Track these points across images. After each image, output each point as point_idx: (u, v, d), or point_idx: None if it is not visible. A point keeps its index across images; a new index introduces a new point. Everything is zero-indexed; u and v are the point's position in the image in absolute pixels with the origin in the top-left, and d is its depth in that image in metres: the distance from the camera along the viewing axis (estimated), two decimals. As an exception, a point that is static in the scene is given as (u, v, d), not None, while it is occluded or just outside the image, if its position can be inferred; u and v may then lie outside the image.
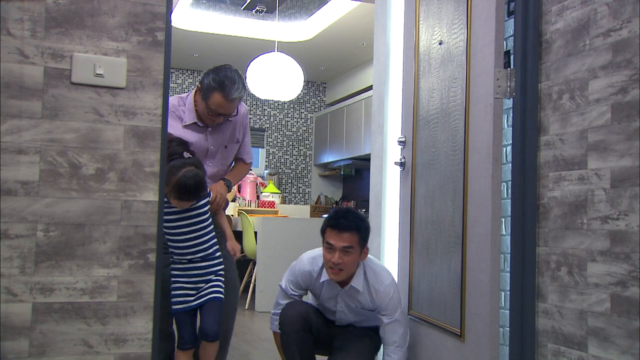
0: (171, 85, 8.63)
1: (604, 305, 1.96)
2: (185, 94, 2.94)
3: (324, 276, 2.75)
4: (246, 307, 5.67)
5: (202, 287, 2.61)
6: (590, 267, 2.02)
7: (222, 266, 2.66)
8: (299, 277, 2.86)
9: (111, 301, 1.86)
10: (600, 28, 2.03)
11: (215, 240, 2.66)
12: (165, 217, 2.47)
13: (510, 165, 2.37)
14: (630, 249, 1.89)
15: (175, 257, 2.62)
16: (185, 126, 2.85)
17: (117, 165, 1.88)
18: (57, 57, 1.83)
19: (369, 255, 2.80)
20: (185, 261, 2.60)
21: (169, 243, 2.60)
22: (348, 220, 2.66)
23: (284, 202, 9.16)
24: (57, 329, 1.81)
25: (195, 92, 2.86)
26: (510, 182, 2.40)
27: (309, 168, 10.05)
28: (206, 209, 2.62)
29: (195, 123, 2.86)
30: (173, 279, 2.61)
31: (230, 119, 2.90)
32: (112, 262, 1.86)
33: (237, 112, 2.93)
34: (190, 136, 2.83)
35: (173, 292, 2.60)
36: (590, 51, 2.06)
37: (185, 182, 2.47)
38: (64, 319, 1.81)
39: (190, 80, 9.46)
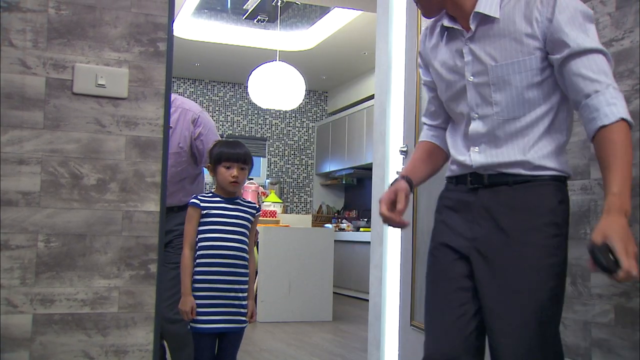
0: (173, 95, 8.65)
1: (608, 317, 1.95)
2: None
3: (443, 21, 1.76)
4: (248, 317, 5.65)
5: (227, 306, 2.41)
6: (594, 278, 2.01)
7: (247, 287, 2.48)
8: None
9: (112, 312, 1.86)
10: (602, 38, 2.03)
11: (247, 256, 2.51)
12: (214, 211, 2.42)
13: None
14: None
15: (210, 259, 2.41)
16: None
17: (118, 176, 1.87)
18: (59, 68, 1.83)
19: None
20: (221, 264, 2.40)
21: (210, 243, 2.41)
22: None
23: (285, 211, 9.16)
24: (57, 340, 1.79)
25: None
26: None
27: (311, 177, 10.05)
28: (252, 217, 2.51)
29: None
30: (200, 293, 2.40)
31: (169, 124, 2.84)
32: (113, 272, 1.86)
33: (181, 115, 2.86)
34: None
35: (199, 310, 2.38)
36: (593, 61, 2.06)
37: (226, 139, 2.50)
38: (64, 330, 1.80)
39: (192, 90, 9.48)
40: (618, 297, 1.92)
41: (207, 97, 9.53)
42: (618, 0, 1.98)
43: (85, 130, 1.85)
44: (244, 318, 2.44)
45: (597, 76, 1.54)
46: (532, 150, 1.62)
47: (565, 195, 1.64)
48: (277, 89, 6.48)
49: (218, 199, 2.47)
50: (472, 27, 1.65)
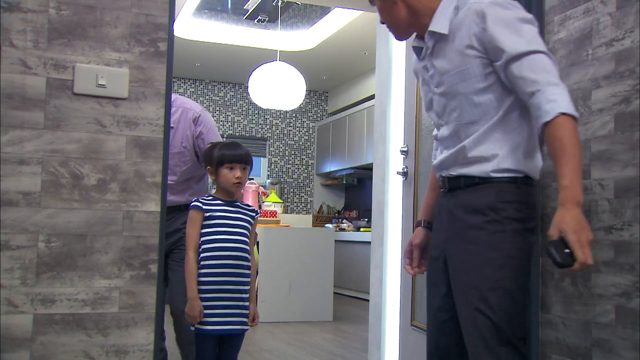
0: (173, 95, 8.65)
1: (609, 317, 1.95)
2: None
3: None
4: (248, 317, 5.65)
5: (232, 307, 2.41)
6: (595, 278, 2.01)
7: (248, 289, 2.48)
8: None
9: (112, 312, 1.86)
10: (602, 38, 2.03)
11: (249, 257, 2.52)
12: (217, 213, 2.43)
13: (513, 175, 2.36)
14: (635, 259, 1.88)
15: (215, 261, 2.41)
16: None
17: (119, 176, 1.88)
18: (60, 68, 1.83)
19: None
20: (226, 266, 2.40)
21: (215, 245, 2.41)
22: None
23: (286, 211, 9.15)
24: (58, 341, 1.80)
25: None
26: (513, 192, 2.38)
27: (311, 177, 10.05)
28: (252, 220, 2.53)
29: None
30: (205, 295, 2.39)
31: (170, 124, 2.83)
32: (113, 272, 1.86)
33: (182, 114, 2.87)
34: None
35: (206, 311, 2.37)
36: (593, 61, 2.06)
37: (225, 140, 2.53)
38: (65, 330, 1.80)
39: (192, 90, 9.48)
40: (619, 297, 1.92)
41: (207, 97, 9.53)
42: (618, 0, 1.98)
43: (85, 130, 1.85)
44: (246, 320, 2.45)
45: (536, 76, 1.63)
46: (487, 152, 1.73)
47: (517, 195, 1.70)
48: (277, 89, 6.48)
49: (219, 201, 2.48)
50: (430, 44, 1.83)
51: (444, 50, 1.79)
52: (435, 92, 1.84)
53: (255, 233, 2.67)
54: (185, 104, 2.89)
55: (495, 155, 1.72)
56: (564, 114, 1.57)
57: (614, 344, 1.92)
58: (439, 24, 1.79)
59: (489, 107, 1.73)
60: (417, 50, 1.91)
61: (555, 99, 1.59)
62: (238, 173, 2.46)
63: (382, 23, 1.93)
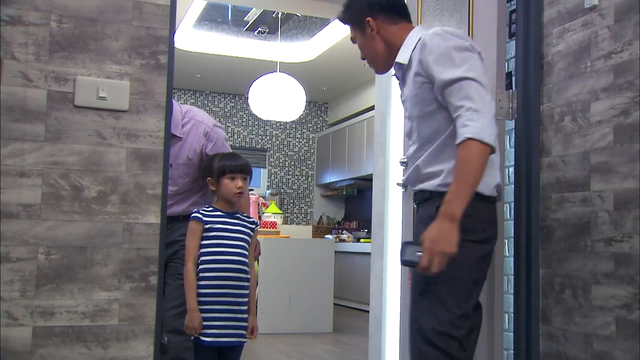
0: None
1: (609, 329, 1.94)
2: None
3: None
4: (248, 329, 5.63)
5: (230, 319, 2.41)
6: (595, 290, 2.01)
7: (247, 301, 2.49)
8: None
9: (112, 324, 1.85)
10: (601, 50, 2.04)
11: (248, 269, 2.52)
12: (217, 225, 2.43)
13: (513, 186, 2.37)
14: (635, 271, 1.88)
15: (215, 273, 2.41)
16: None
17: (119, 188, 1.88)
18: (61, 81, 1.84)
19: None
20: (225, 278, 2.41)
21: (214, 257, 2.42)
22: None
23: (285, 222, 9.14)
24: (57, 353, 1.79)
25: None
26: (513, 203, 2.39)
27: (311, 188, 10.05)
28: (251, 232, 2.53)
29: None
30: (204, 307, 2.39)
31: (180, 135, 2.80)
32: (113, 285, 1.86)
33: (193, 126, 2.85)
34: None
35: (205, 323, 2.37)
36: (592, 73, 2.07)
37: (226, 152, 2.55)
38: (64, 343, 1.80)
39: (192, 101, 9.50)
40: (619, 309, 1.92)
41: (207, 108, 9.55)
42: (617, 13, 1.99)
43: (86, 142, 1.86)
44: (245, 332, 2.46)
45: (460, 102, 1.81)
46: (436, 168, 1.93)
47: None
48: (277, 100, 6.49)
49: (219, 213, 2.48)
50: (398, 74, 2.08)
51: (407, 78, 2.02)
52: (405, 116, 2.08)
53: (257, 241, 2.67)
54: (197, 116, 2.89)
55: (442, 170, 1.90)
56: (470, 138, 1.75)
57: (615, 356, 1.92)
58: (402, 55, 2.02)
59: (439, 128, 1.92)
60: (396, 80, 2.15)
61: (467, 125, 1.77)
62: (240, 183, 2.47)
63: (363, 59, 2.17)
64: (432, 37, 1.90)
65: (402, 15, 2.09)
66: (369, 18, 2.07)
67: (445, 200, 1.75)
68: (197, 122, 2.87)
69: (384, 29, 2.06)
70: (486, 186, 1.87)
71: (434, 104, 1.91)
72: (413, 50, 1.96)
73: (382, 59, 2.09)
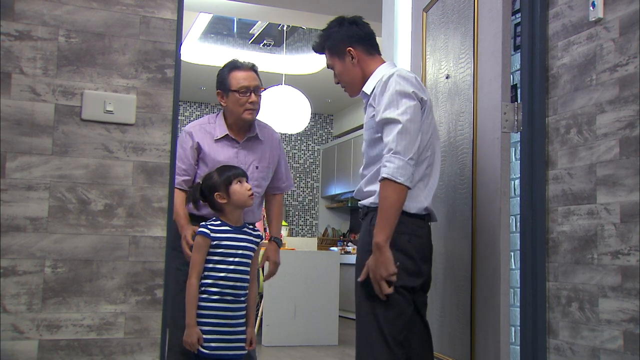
0: (179, 118, 8.69)
1: (617, 343, 1.93)
2: (214, 114, 3.02)
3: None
4: (253, 341, 5.61)
5: (229, 333, 2.45)
6: (602, 303, 1.99)
7: (245, 314, 2.53)
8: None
9: (118, 338, 1.85)
10: (606, 63, 2.04)
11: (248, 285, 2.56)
12: (224, 242, 2.47)
13: (519, 199, 2.36)
14: (642, 284, 1.87)
15: (219, 289, 2.45)
16: (217, 140, 2.86)
17: (125, 201, 1.88)
18: (68, 95, 1.85)
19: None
20: (228, 294, 2.45)
21: (217, 274, 2.45)
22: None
23: (291, 234, 9.14)
24: (63, 367, 1.79)
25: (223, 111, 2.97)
26: (518, 215, 2.38)
27: (316, 200, 10.04)
28: (256, 247, 2.57)
29: (226, 135, 2.87)
30: (203, 320, 2.43)
31: (260, 137, 2.92)
32: (119, 298, 1.86)
33: (267, 132, 3.01)
34: (221, 151, 2.84)
35: (205, 336, 2.41)
36: (597, 86, 2.07)
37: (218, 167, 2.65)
38: (70, 357, 1.80)
39: (198, 113, 9.54)
40: (627, 322, 1.91)
41: (213, 121, 9.57)
42: (622, 26, 1.99)
43: (93, 156, 1.86)
44: (243, 345, 2.50)
45: (386, 139, 2.12)
46: (372, 188, 2.23)
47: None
48: (283, 113, 6.51)
49: (227, 227, 2.49)
50: (364, 101, 2.37)
51: (366, 105, 2.34)
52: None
53: (276, 264, 2.81)
54: (267, 124, 3.05)
55: (375, 190, 2.19)
56: (386, 178, 2.07)
57: (623, 370, 1.90)
58: (368, 85, 2.34)
59: (380, 154, 2.16)
60: None
61: (386, 165, 2.08)
62: (248, 185, 2.57)
63: (337, 83, 2.45)
64: (390, 78, 2.18)
65: (376, 48, 2.41)
66: (350, 48, 2.35)
67: (373, 233, 2.09)
68: (270, 128, 3.07)
69: (362, 59, 2.36)
70: (409, 205, 2.17)
71: (378, 132, 2.20)
72: (377, 83, 2.25)
73: (359, 85, 2.38)
